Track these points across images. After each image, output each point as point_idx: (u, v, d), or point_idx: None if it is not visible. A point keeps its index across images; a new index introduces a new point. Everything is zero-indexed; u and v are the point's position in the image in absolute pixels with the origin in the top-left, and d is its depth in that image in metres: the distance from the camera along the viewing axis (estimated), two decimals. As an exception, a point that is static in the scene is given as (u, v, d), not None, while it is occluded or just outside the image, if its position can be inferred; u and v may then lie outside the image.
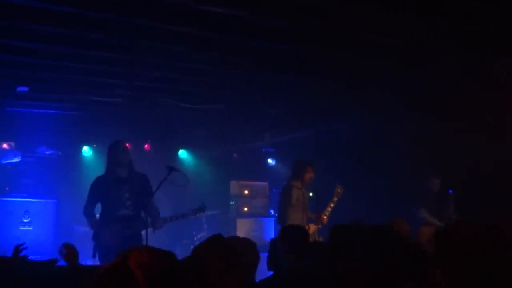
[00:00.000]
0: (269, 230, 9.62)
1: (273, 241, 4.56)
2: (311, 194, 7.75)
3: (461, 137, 7.02)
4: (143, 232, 5.77)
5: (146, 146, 9.68)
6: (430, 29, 4.71)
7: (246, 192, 9.82)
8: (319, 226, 7.03)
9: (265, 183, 10.20)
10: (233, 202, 9.76)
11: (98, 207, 6.25)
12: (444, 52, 5.26)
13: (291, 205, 7.10)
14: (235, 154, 10.70)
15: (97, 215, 6.30)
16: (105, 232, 5.90)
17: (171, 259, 1.64)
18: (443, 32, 4.75)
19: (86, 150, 9.40)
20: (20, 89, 6.31)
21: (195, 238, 8.75)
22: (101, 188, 6.11)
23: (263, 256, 5.39)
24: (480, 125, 6.84)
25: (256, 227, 9.55)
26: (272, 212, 9.97)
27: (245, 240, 3.94)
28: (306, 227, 7.04)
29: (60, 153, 9.00)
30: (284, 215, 7.12)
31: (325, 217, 7.06)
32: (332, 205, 7.12)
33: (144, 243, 5.65)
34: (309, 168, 7.24)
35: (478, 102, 6.52)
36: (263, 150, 10.85)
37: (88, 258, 6.27)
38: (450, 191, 7.08)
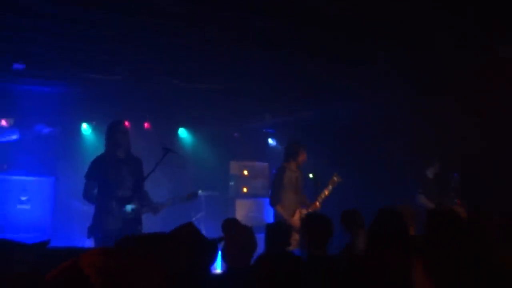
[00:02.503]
0: (268, 211, 9.58)
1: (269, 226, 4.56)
2: (311, 175, 7.73)
3: (462, 119, 6.95)
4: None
5: (145, 124, 9.60)
6: (427, 9, 4.62)
7: (245, 172, 9.76)
8: (310, 211, 7.02)
9: (265, 164, 10.15)
10: (232, 183, 9.71)
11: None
12: (443, 32, 5.17)
13: (283, 187, 7.10)
14: (235, 134, 10.59)
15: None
16: (106, 214, 5.84)
17: (127, 258, 1.58)
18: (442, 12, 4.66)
19: (85, 128, 9.30)
20: (16, 66, 6.22)
21: (194, 219, 8.70)
22: (101, 168, 6.07)
23: (261, 237, 5.33)
24: (482, 107, 6.77)
25: (255, 208, 9.53)
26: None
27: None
28: (298, 211, 7.04)
29: (58, 130, 8.90)
30: (275, 196, 7.14)
31: (317, 203, 7.09)
32: (326, 192, 7.14)
33: (142, 226, 5.64)
34: (302, 150, 7.24)
35: (480, 84, 6.44)
36: (264, 130, 10.78)
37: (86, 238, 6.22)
38: (455, 175, 7.06)
